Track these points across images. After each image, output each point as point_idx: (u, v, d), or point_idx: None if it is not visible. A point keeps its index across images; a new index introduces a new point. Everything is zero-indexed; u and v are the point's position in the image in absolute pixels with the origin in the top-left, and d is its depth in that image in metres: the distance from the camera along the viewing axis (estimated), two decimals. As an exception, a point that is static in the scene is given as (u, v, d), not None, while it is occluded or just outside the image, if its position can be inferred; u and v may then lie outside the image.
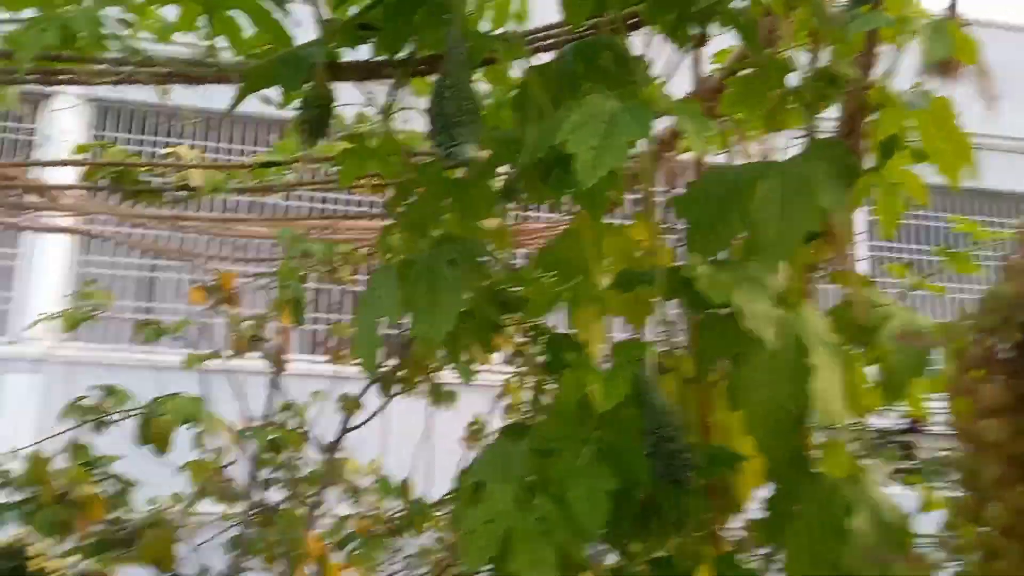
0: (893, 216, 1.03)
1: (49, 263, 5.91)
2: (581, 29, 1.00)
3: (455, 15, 0.73)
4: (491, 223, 0.72)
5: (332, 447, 2.13)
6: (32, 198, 2.84)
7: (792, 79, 1.00)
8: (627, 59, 0.86)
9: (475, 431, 2.81)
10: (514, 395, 2.04)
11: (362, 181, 1.66)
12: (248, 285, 2.56)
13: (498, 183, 1.06)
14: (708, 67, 1.09)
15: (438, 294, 0.78)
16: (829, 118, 1.01)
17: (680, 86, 1.05)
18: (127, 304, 6.25)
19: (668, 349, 0.87)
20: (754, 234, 0.80)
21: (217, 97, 0.95)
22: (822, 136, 0.90)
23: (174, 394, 1.56)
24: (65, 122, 5.62)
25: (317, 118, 0.83)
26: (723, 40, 1.28)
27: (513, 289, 0.91)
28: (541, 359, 0.96)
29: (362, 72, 1.06)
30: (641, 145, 0.71)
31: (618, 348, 0.81)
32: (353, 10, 0.95)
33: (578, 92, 0.81)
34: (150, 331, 2.30)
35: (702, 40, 0.98)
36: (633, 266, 1.09)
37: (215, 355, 2.25)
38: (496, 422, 2.54)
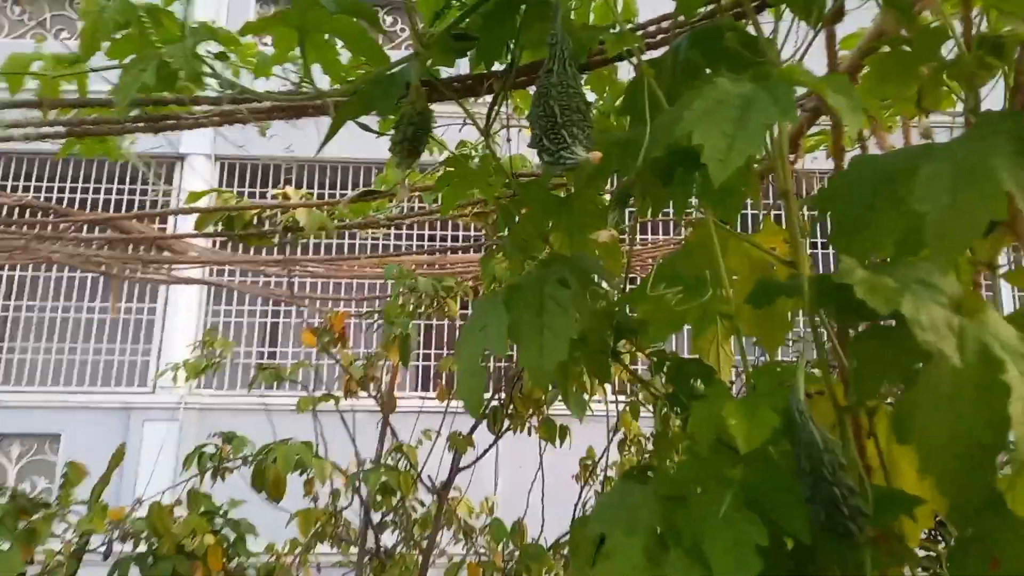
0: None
1: (183, 314, 6.29)
2: (694, 20, 0.91)
3: (557, 5, 0.65)
4: (602, 236, 0.63)
5: (444, 488, 2.07)
6: (165, 253, 2.99)
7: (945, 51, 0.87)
8: (754, 40, 0.75)
9: (588, 466, 2.68)
10: (630, 428, 1.92)
11: (466, 210, 1.61)
12: (360, 325, 2.57)
13: (608, 195, 0.97)
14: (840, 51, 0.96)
15: (547, 320, 0.70)
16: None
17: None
18: (252, 350, 6.56)
19: (815, 371, 0.74)
20: (919, 228, 0.66)
21: (330, 148, 0.92)
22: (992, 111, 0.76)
23: (284, 440, 1.54)
24: (196, 182, 6.01)
25: (412, 136, 0.78)
26: (855, 21, 1.15)
27: (630, 311, 0.81)
28: (663, 388, 0.85)
29: (460, 89, 1.01)
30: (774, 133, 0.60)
31: (760, 373, 0.69)
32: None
33: (699, 83, 0.71)
34: (267, 375, 2.33)
35: (838, 15, 0.87)
36: (766, 277, 0.97)
37: (327, 397, 2.25)
38: (611, 456, 2.41)
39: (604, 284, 0.79)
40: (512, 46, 0.84)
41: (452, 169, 1.02)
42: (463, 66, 0.93)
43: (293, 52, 0.95)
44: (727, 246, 0.96)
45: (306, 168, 6.44)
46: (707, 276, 0.75)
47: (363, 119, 0.91)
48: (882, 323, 0.70)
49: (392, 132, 0.80)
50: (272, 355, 6.63)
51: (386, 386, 2.28)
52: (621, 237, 0.95)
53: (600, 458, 2.27)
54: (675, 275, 0.80)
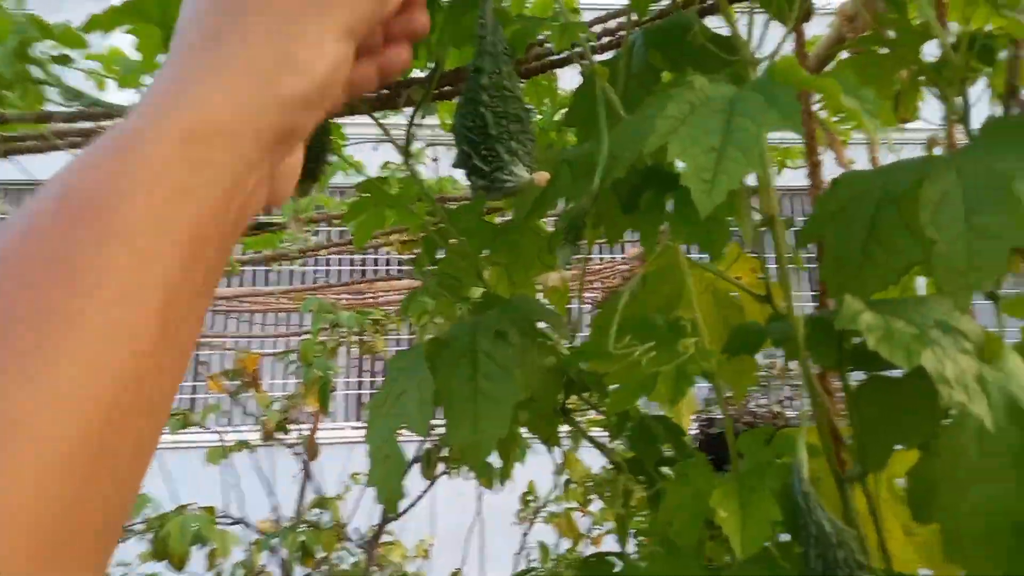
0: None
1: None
2: (644, 20, 0.78)
3: (487, -10, 0.51)
4: (551, 280, 0.48)
5: (372, 542, 1.88)
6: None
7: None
8: (722, 39, 0.63)
9: (529, 503, 2.53)
10: (575, 468, 1.78)
11: (391, 238, 1.45)
12: (279, 363, 2.36)
13: (552, 224, 0.84)
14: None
15: (483, 385, 0.55)
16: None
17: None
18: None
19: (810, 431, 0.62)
20: (929, 258, 0.55)
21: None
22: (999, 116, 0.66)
23: (181, 507, 1.34)
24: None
25: (308, 157, 0.62)
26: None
27: (584, 364, 0.66)
28: (622, 453, 0.71)
29: (373, 100, 0.86)
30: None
31: (748, 441, 0.56)
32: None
33: (663, 86, 0.58)
34: (174, 422, 2.10)
35: (807, 15, 0.76)
36: (731, 317, 0.84)
37: (240, 446, 2.03)
38: (556, 492, 2.26)
39: (553, 333, 0.64)
40: (434, 46, 0.69)
41: (366, 194, 0.86)
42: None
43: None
44: (684, 280, 0.84)
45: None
46: (681, 323, 0.61)
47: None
48: (890, 375, 0.58)
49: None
50: (193, 389, 6.26)
51: (308, 434, 2.08)
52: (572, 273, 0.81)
53: (544, 503, 2.12)
54: (634, 318, 0.66)
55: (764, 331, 0.58)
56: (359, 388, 6.11)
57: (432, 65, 0.74)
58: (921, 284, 0.80)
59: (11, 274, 0.23)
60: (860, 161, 1.19)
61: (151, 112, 0.28)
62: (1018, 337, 0.67)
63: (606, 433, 0.80)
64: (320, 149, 0.63)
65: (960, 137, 0.77)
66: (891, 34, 0.78)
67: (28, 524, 0.20)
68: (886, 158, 1.13)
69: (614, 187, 0.53)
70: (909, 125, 1.06)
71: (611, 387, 0.57)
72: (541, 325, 0.65)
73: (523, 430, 0.83)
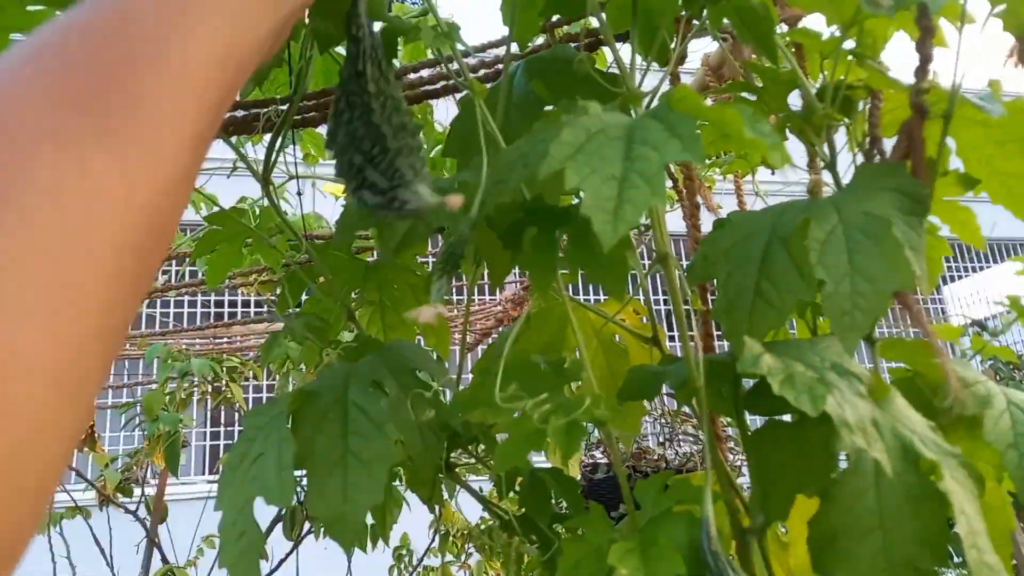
0: (934, 265, 0.80)
1: None
2: (524, 53, 0.75)
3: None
4: (424, 315, 0.42)
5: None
6: None
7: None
8: (604, 72, 0.60)
9: (403, 556, 2.40)
10: (453, 520, 1.70)
11: (251, 277, 1.33)
12: (119, 417, 2.12)
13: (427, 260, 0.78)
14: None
15: (354, 444, 0.48)
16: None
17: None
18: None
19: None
20: (820, 299, 0.54)
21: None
22: (872, 163, 0.67)
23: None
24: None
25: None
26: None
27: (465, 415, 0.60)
28: (508, 511, 0.65)
29: (228, 124, 0.77)
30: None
31: (644, 489, 0.52)
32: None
33: (550, 114, 0.55)
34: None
35: (682, 58, 0.75)
36: (616, 361, 0.81)
37: (74, 511, 1.79)
38: (433, 545, 2.16)
39: (432, 381, 0.58)
40: (295, 62, 0.63)
41: (218, 227, 0.77)
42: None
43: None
44: (566, 320, 0.80)
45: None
46: (565, 365, 0.57)
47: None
48: (783, 419, 0.56)
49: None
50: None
51: (154, 491, 1.87)
52: (449, 311, 0.75)
53: (422, 558, 2.00)
54: (517, 362, 0.61)
55: (661, 374, 0.55)
56: (214, 439, 5.70)
57: (292, 87, 0.67)
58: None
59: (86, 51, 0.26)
60: (728, 207, 1.22)
61: None
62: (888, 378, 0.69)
63: (485, 478, 0.74)
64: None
65: (826, 184, 0.79)
66: (758, 83, 0.80)
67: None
68: (754, 206, 1.17)
69: (491, 222, 0.48)
70: (767, 174, 1.10)
71: (499, 438, 0.51)
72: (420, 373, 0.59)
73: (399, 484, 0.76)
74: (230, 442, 5.66)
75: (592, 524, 0.52)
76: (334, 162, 0.44)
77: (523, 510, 0.63)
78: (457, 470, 0.67)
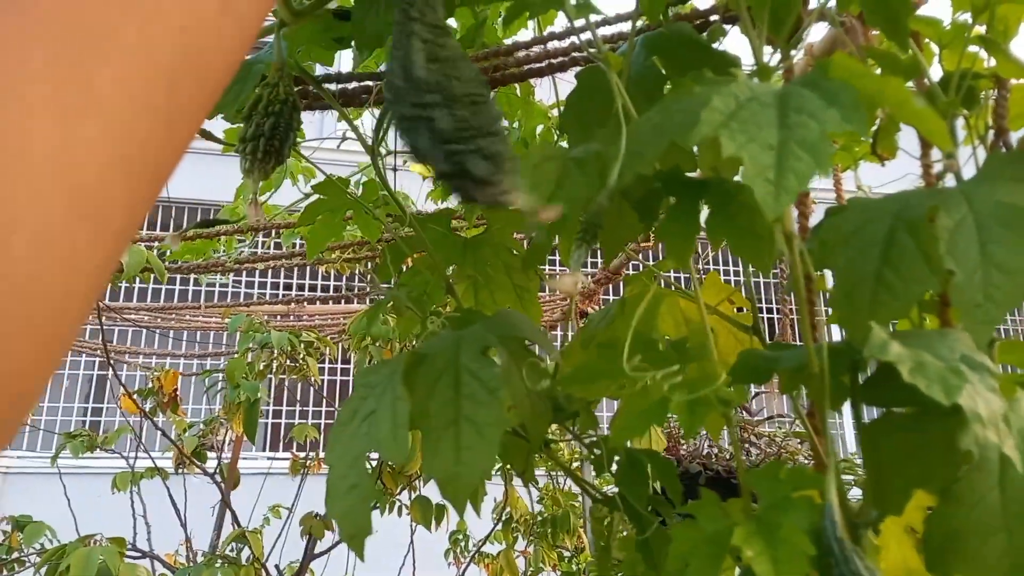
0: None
1: None
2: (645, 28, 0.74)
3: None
4: (566, 283, 0.42)
5: (296, 581, 1.75)
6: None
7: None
8: (723, 54, 0.59)
9: (458, 542, 2.42)
10: (516, 506, 1.70)
11: (334, 254, 1.36)
12: (198, 383, 2.20)
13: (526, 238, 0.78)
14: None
15: (467, 408, 0.48)
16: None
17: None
18: (73, 406, 5.77)
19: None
20: (948, 290, 0.52)
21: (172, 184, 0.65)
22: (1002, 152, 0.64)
23: (85, 538, 1.20)
24: None
25: (270, 131, 0.54)
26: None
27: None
28: (602, 491, 0.65)
29: (338, 96, 0.78)
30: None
31: (759, 477, 0.50)
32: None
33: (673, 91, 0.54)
34: (75, 444, 1.92)
35: (798, 41, 0.73)
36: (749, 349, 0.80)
37: (152, 472, 1.87)
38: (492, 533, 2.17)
39: (542, 354, 0.58)
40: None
41: (323, 197, 0.79)
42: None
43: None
44: (659, 305, 0.79)
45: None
46: (693, 349, 0.56)
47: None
48: (903, 413, 0.54)
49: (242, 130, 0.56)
50: (97, 412, 5.88)
51: (227, 459, 1.93)
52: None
53: (480, 543, 2.02)
54: (641, 338, 0.60)
55: (776, 359, 0.54)
56: (276, 417, 5.87)
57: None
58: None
59: None
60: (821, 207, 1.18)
61: None
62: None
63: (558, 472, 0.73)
64: (286, 127, 0.55)
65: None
66: (877, 71, 0.77)
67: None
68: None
69: (627, 194, 0.48)
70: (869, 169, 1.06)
71: (619, 415, 0.51)
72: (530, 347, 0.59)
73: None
74: (292, 421, 5.81)
75: (705, 510, 0.51)
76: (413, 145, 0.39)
77: (617, 491, 0.63)
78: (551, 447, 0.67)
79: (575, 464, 1.75)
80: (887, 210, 0.57)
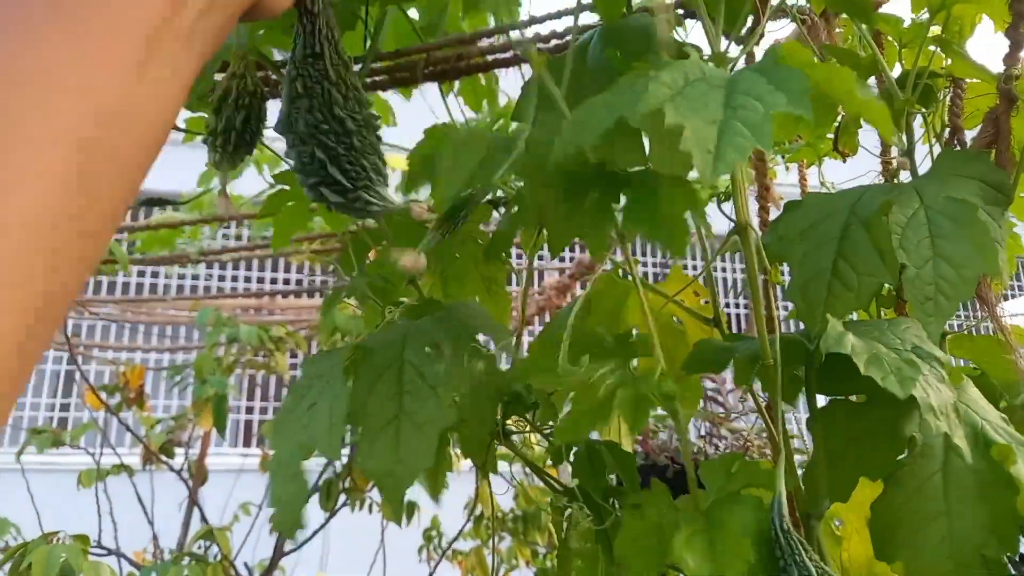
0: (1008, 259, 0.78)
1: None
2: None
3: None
4: (407, 260, 0.43)
5: (264, 578, 1.73)
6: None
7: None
8: (682, 43, 0.59)
9: (432, 538, 2.42)
10: (487, 503, 1.70)
11: (302, 247, 1.35)
12: (164, 378, 2.17)
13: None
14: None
15: (408, 404, 0.48)
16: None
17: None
18: (40, 401, 5.68)
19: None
20: (902, 283, 0.52)
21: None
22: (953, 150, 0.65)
23: (48, 535, 1.18)
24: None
25: (240, 125, 0.53)
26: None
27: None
28: (562, 482, 0.65)
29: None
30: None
31: (709, 469, 0.51)
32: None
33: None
34: (42, 439, 1.88)
35: (762, 34, 0.74)
36: (673, 342, 0.80)
37: (118, 469, 1.84)
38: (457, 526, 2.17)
39: (491, 345, 0.58)
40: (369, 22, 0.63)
41: (286, 187, 0.78)
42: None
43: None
44: (626, 299, 0.80)
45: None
46: (631, 340, 0.56)
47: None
48: (851, 400, 0.55)
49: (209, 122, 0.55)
50: (65, 407, 5.78)
51: (195, 455, 1.91)
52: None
53: (452, 540, 2.02)
54: (583, 334, 0.61)
55: (731, 349, 0.54)
56: (248, 413, 5.81)
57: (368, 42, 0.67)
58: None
59: None
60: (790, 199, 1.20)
61: None
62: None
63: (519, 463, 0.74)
64: (256, 119, 0.55)
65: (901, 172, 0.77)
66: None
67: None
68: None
69: (566, 177, 0.48)
70: (833, 166, 1.08)
71: (562, 412, 0.51)
72: (480, 337, 0.59)
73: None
74: (264, 417, 5.77)
75: (653, 501, 0.52)
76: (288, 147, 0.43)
77: (576, 481, 0.63)
78: (512, 439, 0.66)
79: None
80: (842, 205, 0.58)
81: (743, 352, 0.53)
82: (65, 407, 5.81)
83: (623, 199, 0.52)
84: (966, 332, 0.69)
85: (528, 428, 0.61)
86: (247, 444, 5.58)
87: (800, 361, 0.54)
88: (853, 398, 0.55)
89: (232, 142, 0.54)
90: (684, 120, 0.34)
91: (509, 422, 0.65)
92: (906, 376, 0.43)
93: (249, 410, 5.82)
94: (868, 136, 0.88)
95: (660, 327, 0.80)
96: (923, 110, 0.80)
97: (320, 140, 0.40)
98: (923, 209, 0.55)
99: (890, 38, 0.84)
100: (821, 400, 0.55)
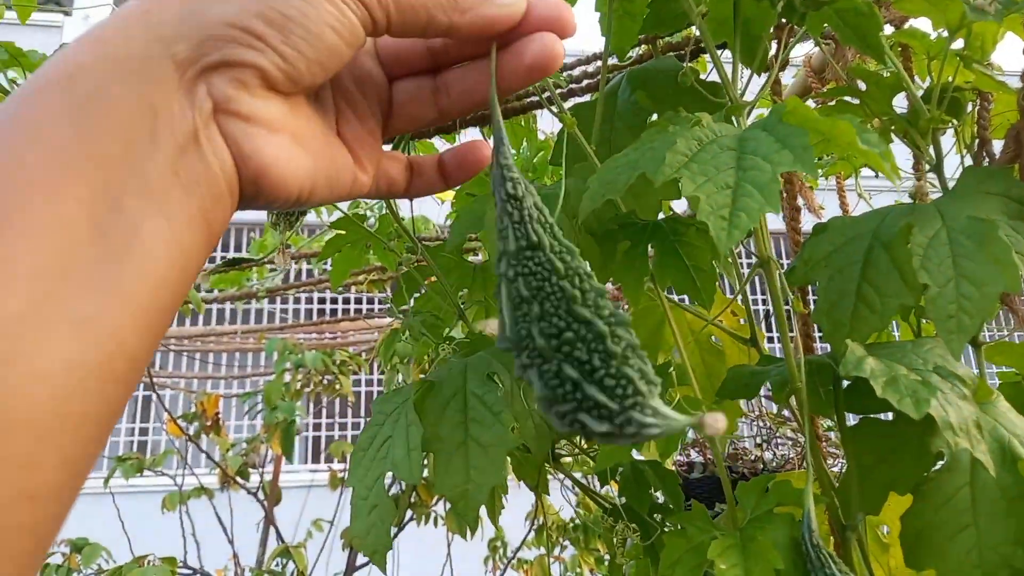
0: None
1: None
2: (624, 64, 0.79)
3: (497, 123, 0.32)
4: (490, 326, 0.47)
5: (338, 593, 1.81)
6: None
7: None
8: (707, 82, 0.63)
9: (497, 548, 2.47)
10: (548, 514, 1.74)
11: (360, 276, 1.43)
12: (238, 404, 2.28)
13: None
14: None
15: (474, 431, 0.53)
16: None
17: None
18: (120, 426, 5.96)
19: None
20: (924, 303, 0.55)
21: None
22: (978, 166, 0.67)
23: (139, 559, 1.27)
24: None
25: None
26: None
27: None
28: (610, 499, 0.69)
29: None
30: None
31: (745, 491, 0.54)
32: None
33: (659, 122, 0.58)
34: (128, 467, 2.01)
35: (784, 64, 0.77)
36: (713, 362, 0.83)
37: (199, 492, 1.95)
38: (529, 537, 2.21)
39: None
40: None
41: (343, 232, 0.84)
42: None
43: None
44: (666, 321, 0.83)
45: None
46: (668, 370, 0.60)
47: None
48: (881, 418, 0.58)
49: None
50: (144, 432, 6.05)
51: (269, 476, 2.01)
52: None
53: (516, 550, 2.06)
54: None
55: (762, 374, 0.57)
56: (316, 430, 5.98)
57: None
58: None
59: None
60: (831, 208, 1.21)
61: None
62: (996, 380, 0.68)
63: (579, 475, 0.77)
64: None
65: (931, 186, 0.79)
66: (862, 85, 0.80)
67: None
68: (857, 207, 1.16)
69: (589, 227, 0.52)
70: (870, 174, 1.09)
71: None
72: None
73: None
74: (331, 434, 5.93)
75: (693, 521, 0.55)
76: (519, 369, 0.29)
77: (623, 500, 0.67)
78: (561, 461, 0.71)
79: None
80: (865, 228, 0.60)
81: (774, 376, 0.56)
82: (145, 431, 6.07)
83: (651, 249, 0.56)
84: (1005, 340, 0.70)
85: (576, 451, 0.65)
86: (315, 460, 5.74)
87: (830, 382, 0.57)
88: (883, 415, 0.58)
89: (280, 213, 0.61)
90: (698, 190, 0.38)
91: (558, 446, 0.69)
92: (921, 398, 0.46)
93: (316, 427, 5.98)
94: (900, 148, 0.90)
95: (702, 347, 0.83)
96: (953, 122, 0.81)
97: (566, 352, 0.29)
98: (944, 229, 0.57)
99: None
100: (852, 418, 0.58)
